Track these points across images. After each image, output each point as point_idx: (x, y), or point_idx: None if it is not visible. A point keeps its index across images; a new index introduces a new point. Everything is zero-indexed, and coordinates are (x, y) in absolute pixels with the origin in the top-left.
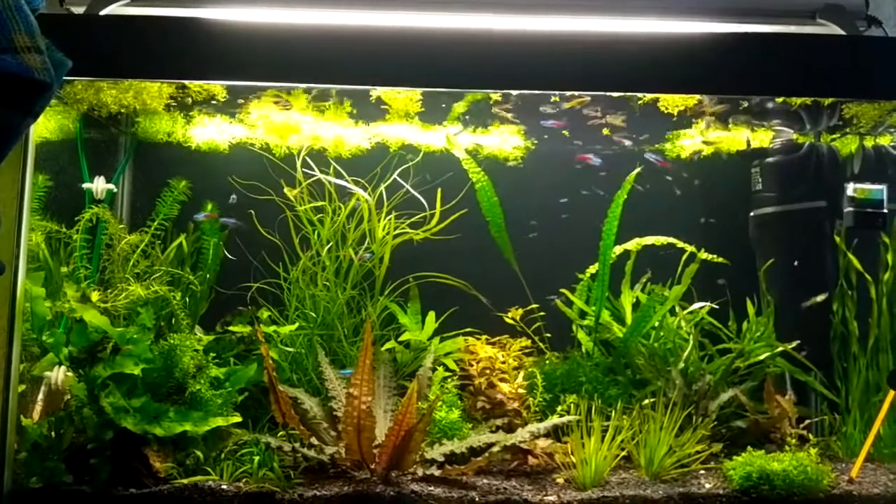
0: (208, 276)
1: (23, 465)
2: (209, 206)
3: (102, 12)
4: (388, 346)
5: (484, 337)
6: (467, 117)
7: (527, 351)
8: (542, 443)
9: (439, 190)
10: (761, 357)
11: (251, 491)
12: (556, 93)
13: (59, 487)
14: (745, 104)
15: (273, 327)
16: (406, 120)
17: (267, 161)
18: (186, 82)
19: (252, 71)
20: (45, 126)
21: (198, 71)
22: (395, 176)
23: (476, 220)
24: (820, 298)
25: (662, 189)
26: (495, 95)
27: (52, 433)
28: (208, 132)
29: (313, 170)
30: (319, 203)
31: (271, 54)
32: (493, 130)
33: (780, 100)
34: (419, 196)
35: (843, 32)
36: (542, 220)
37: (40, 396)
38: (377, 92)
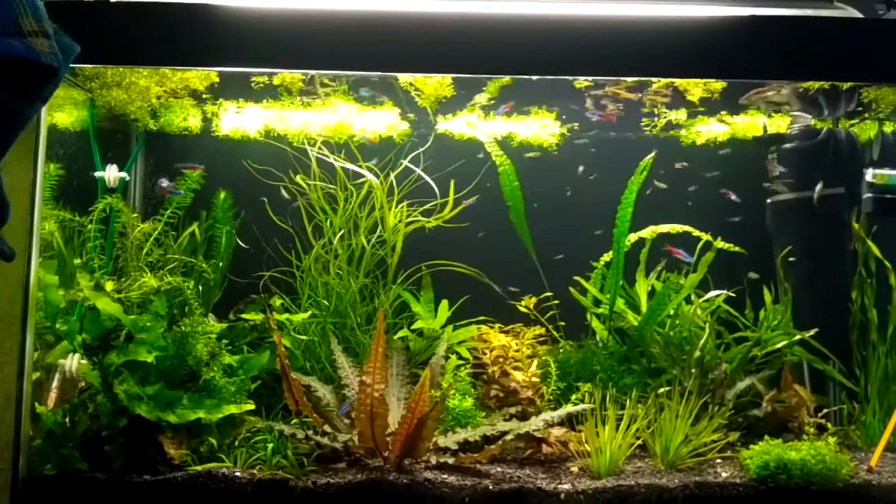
0: (221, 264)
1: (37, 453)
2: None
3: None
4: (400, 334)
5: (497, 325)
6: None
7: (540, 339)
8: (557, 431)
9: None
10: (778, 345)
11: (265, 478)
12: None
13: (73, 474)
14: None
15: (286, 315)
16: (427, 104)
17: (281, 149)
18: (200, 69)
19: (263, 57)
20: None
21: (207, 58)
22: (406, 163)
23: (490, 207)
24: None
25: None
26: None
27: (67, 420)
28: (233, 121)
29: (327, 157)
30: (331, 187)
31: (282, 40)
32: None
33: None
34: (432, 182)
35: (861, 15)
36: (559, 207)
37: (54, 384)
38: (407, 78)
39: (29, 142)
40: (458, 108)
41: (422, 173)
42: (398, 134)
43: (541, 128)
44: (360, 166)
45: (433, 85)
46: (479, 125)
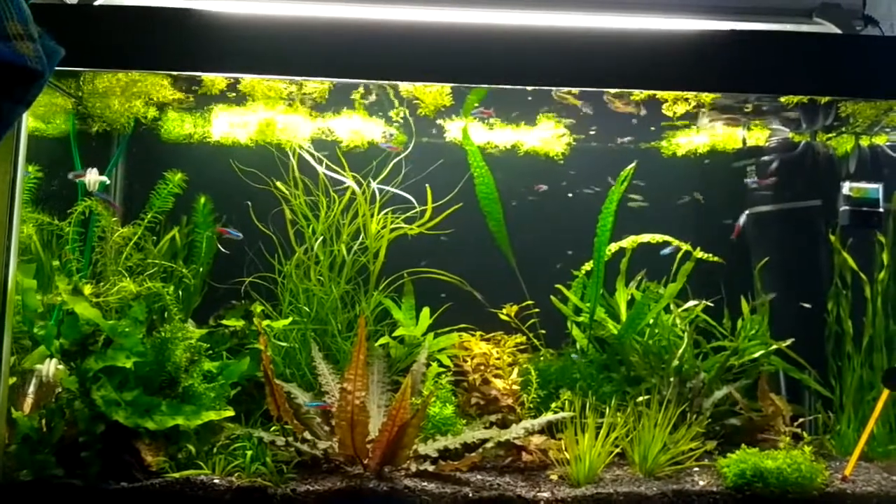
0: (201, 269)
1: (13, 458)
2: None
3: (97, 2)
4: (382, 341)
5: (478, 333)
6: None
7: (521, 347)
8: (537, 439)
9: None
10: (756, 355)
11: (243, 485)
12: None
13: (49, 481)
14: (749, 106)
15: (266, 322)
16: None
17: (264, 154)
18: (181, 74)
19: (245, 63)
20: None
21: (191, 63)
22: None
23: (473, 215)
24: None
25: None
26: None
27: (43, 426)
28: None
29: (309, 163)
30: (315, 194)
31: (265, 47)
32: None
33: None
34: (402, 192)
35: (839, 31)
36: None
37: (31, 389)
38: (406, 87)
39: (7, 144)
40: (448, 117)
41: (393, 188)
42: (394, 140)
43: (553, 137)
44: (345, 173)
45: (433, 94)
46: (474, 133)
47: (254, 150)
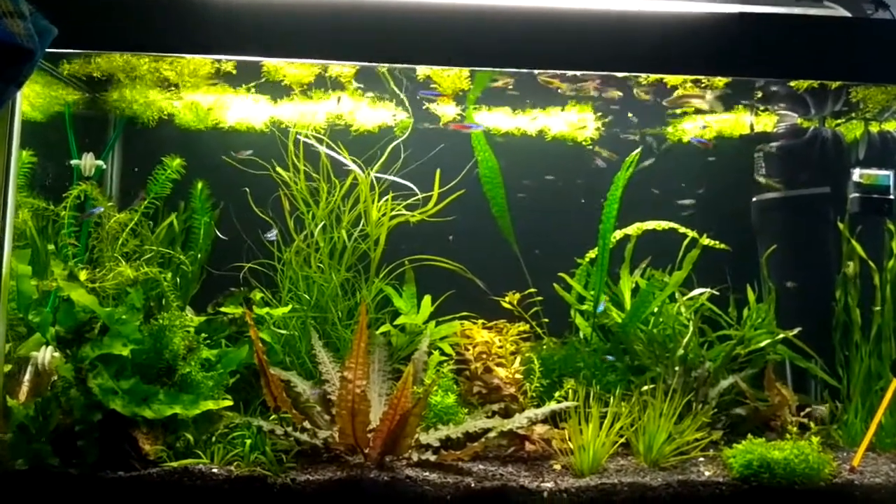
0: (199, 255)
1: (9, 447)
2: None
3: None
4: (383, 329)
5: (480, 321)
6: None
7: (524, 336)
8: (540, 429)
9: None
10: (762, 344)
11: (242, 475)
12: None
13: (45, 470)
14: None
15: (266, 309)
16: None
17: (264, 139)
18: (179, 56)
19: (241, 45)
20: None
21: (186, 45)
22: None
23: (475, 201)
24: None
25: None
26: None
27: (39, 415)
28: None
29: (312, 147)
30: (315, 178)
31: (260, 28)
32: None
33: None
34: (401, 179)
35: (849, 15)
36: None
37: (27, 377)
38: (425, 71)
39: (2, 129)
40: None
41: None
42: (398, 125)
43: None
44: (346, 157)
45: (451, 78)
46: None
47: (266, 135)
